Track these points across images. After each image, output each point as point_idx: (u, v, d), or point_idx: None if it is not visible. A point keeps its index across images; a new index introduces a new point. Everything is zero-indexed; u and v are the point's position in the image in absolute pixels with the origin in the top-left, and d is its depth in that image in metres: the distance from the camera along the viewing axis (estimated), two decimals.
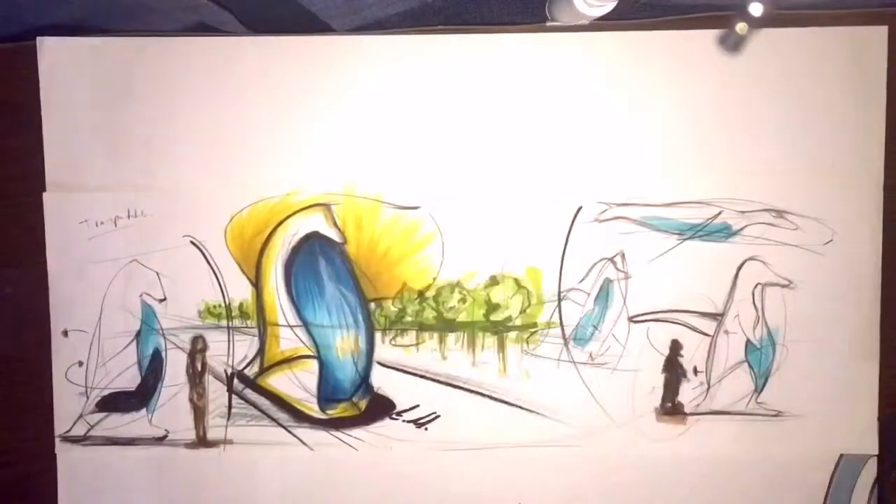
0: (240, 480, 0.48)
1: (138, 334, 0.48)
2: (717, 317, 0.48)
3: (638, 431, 0.48)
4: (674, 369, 0.48)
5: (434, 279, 0.48)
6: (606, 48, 0.47)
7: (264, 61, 0.47)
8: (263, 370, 0.48)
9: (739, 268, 0.47)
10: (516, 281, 0.48)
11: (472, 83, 0.47)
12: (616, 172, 0.47)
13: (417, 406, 0.48)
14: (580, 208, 0.48)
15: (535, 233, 0.48)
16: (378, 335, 0.48)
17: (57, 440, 0.49)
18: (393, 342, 0.48)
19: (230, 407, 0.48)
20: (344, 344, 0.48)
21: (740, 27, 0.36)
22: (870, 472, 0.47)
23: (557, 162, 0.48)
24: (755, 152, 0.47)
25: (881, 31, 0.47)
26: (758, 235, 0.47)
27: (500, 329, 0.48)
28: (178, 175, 0.48)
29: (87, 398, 0.49)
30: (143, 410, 0.49)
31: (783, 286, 0.47)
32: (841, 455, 0.47)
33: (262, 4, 0.47)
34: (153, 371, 0.48)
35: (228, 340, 0.48)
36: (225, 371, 0.48)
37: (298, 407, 0.48)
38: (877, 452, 0.47)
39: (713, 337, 0.48)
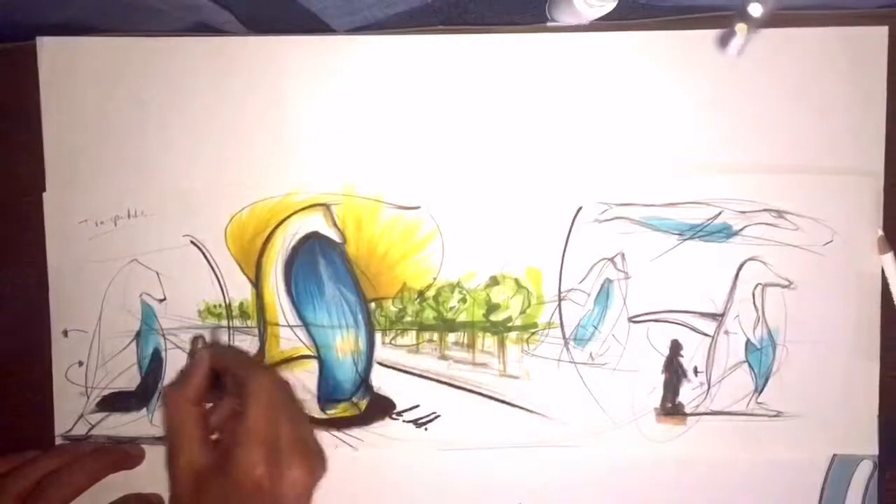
0: None
1: (138, 334, 0.48)
2: (718, 317, 0.48)
3: (638, 431, 0.48)
4: (674, 369, 0.48)
5: (434, 279, 0.48)
6: (606, 48, 0.47)
7: (264, 61, 0.47)
8: None
9: (739, 268, 0.47)
10: (516, 281, 0.48)
11: (472, 83, 0.47)
12: (616, 172, 0.47)
13: (417, 406, 0.48)
14: (580, 208, 0.48)
15: (535, 233, 0.48)
16: (378, 335, 0.48)
17: (58, 439, 0.49)
18: (393, 342, 0.48)
19: None
20: (344, 344, 0.48)
21: (740, 27, 0.36)
22: (864, 472, 0.47)
23: (557, 162, 0.48)
24: (755, 152, 0.47)
25: (881, 31, 0.46)
26: (758, 236, 0.47)
27: (500, 329, 0.48)
28: (178, 175, 0.48)
29: (88, 398, 0.49)
30: (144, 410, 0.49)
31: (783, 286, 0.47)
32: (834, 455, 0.47)
33: (262, 4, 0.47)
34: (153, 371, 0.49)
35: (228, 340, 0.48)
36: None
37: None
38: (877, 452, 0.47)
39: (713, 337, 0.48)
